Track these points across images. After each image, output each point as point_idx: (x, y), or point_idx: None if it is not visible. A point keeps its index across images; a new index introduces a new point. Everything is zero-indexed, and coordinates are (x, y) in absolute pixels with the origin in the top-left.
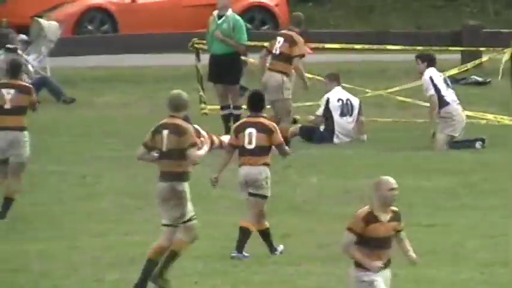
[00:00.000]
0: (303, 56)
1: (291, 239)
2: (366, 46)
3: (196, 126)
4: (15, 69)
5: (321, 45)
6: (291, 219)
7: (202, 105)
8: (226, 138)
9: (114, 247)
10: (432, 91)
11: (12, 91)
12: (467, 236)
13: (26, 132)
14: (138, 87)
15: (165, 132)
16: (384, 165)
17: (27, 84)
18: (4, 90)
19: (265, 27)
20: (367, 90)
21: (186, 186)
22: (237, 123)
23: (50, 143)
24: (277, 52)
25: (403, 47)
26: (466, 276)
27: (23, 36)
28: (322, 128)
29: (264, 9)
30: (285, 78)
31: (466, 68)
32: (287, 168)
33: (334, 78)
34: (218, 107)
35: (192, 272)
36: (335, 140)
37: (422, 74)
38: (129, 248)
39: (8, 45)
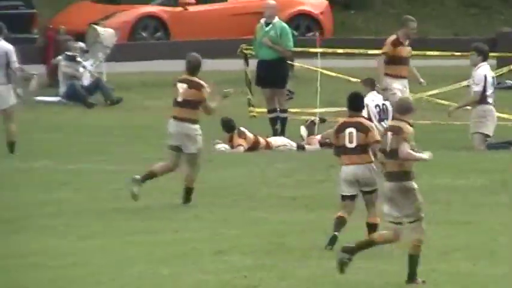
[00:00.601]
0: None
1: None
2: None
3: (242, 128)
4: (194, 67)
5: (364, 51)
6: (333, 215)
7: (251, 108)
8: (273, 140)
9: (166, 243)
10: (480, 88)
11: (185, 86)
12: (501, 232)
13: (197, 126)
14: None
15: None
16: (422, 165)
17: (199, 81)
18: (179, 85)
19: (310, 33)
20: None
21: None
22: (338, 124)
23: (106, 144)
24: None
25: (441, 53)
26: (501, 271)
27: (82, 45)
28: None
29: (309, 16)
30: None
31: (501, 73)
32: (331, 168)
33: (370, 83)
34: (265, 110)
35: (241, 266)
36: None
37: (476, 65)
38: (180, 244)
39: (67, 53)
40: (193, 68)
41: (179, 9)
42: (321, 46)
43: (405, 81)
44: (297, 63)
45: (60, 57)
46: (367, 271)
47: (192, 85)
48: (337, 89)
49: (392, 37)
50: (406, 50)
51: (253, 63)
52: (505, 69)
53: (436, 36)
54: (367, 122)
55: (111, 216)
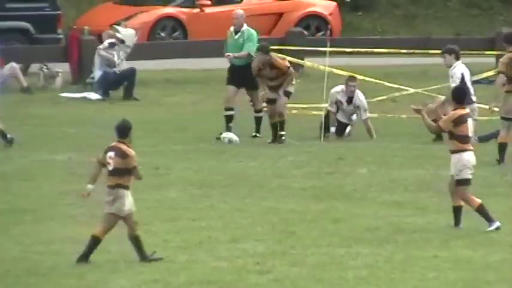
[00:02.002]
0: None
1: (342, 223)
2: (411, 50)
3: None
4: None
5: (370, 50)
6: (342, 205)
7: (264, 104)
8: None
9: (183, 231)
10: (456, 81)
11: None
12: (500, 220)
13: None
14: (205, 88)
15: None
16: (425, 157)
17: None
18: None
19: (320, 33)
20: (408, 89)
21: None
22: (459, 115)
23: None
24: None
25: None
26: (500, 257)
27: (119, 35)
28: None
29: (318, 17)
30: None
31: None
32: (339, 160)
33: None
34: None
35: (254, 253)
36: None
37: (451, 66)
38: (196, 232)
39: (110, 40)
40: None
41: (196, 10)
42: (330, 46)
43: None
44: (308, 62)
45: (101, 46)
46: (369, 256)
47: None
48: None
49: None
50: None
51: None
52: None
53: (439, 35)
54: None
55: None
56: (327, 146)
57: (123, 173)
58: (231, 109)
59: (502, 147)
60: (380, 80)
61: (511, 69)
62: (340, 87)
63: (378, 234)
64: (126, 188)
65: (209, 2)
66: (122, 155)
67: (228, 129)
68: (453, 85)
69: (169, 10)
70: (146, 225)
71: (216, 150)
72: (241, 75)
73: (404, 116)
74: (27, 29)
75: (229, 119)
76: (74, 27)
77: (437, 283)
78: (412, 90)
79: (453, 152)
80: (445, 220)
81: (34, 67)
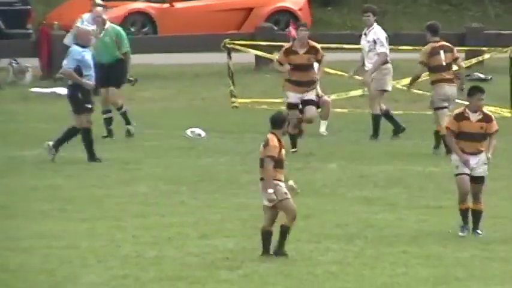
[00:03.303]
0: None
1: (312, 219)
2: None
3: None
4: None
5: (340, 45)
6: (312, 201)
7: (233, 99)
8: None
9: (153, 227)
10: (385, 49)
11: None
12: (470, 217)
13: None
14: (175, 83)
15: None
16: (395, 153)
17: None
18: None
19: (287, 29)
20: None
21: None
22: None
23: (96, 133)
24: None
25: (414, 48)
26: (469, 254)
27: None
28: None
29: (288, 12)
30: None
31: (470, 64)
32: (309, 156)
33: None
34: (248, 100)
35: (223, 249)
36: None
37: (371, 26)
38: (166, 228)
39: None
40: None
41: (166, 5)
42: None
43: None
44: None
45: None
46: (339, 252)
47: None
48: None
49: None
50: None
51: (235, 56)
52: (474, 60)
53: (409, 31)
54: None
55: (101, 202)
56: (297, 141)
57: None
58: (109, 111)
59: (438, 135)
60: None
61: (433, 59)
62: None
63: (348, 230)
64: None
65: None
66: (265, 144)
67: (109, 133)
68: (380, 49)
69: (139, 5)
70: (116, 221)
71: (185, 146)
72: (107, 73)
73: None
74: None
75: (108, 122)
76: (44, 22)
77: (407, 279)
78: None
79: None
80: (416, 216)
81: (4, 62)
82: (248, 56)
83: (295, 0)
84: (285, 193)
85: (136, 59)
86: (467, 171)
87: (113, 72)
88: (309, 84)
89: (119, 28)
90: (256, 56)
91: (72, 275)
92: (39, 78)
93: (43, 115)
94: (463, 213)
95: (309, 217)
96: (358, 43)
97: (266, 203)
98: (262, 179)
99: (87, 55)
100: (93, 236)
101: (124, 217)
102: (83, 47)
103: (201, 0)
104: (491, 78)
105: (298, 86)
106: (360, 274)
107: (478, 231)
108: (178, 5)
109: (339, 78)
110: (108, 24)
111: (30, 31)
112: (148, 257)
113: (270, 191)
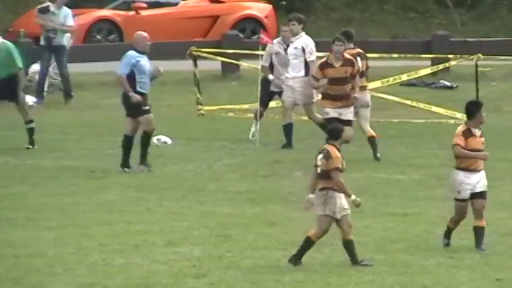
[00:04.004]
0: None
1: (278, 227)
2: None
3: None
4: None
5: None
6: (278, 208)
7: (199, 107)
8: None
9: (119, 235)
10: (314, 57)
11: None
12: (437, 224)
13: None
14: None
15: None
16: (361, 161)
17: None
18: None
19: (255, 36)
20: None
21: None
22: (465, 130)
23: (62, 141)
24: None
25: (380, 55)
26: (436, 261)
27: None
28: None
29: (254, 20)
30: None
31: (437, 69)
32: (275, 163)
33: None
34: (214, 107)
35: (190, 257)
36: None
37: (297, 34)
38: (133, 235)
39: (39, 6)
40: None
41: (132, 13)
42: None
43: None
44: (245, 64)
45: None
46: (306, 260)
47: None
48: None
49: None
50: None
51: (201, 64)
52: (441, 66)
53: (375, 38)
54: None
55: (67, 210)
56: (263, 148)
57: (329, 176)
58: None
59: (372, 139)
60: None
61: None
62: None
63: None
64: (336, 190)
65: (145, 5)
66: (327, 156)
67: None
68: (310, 57)
69: (105, 13)
70: (83, 229)
71: (152, 153)
72: (3, 88)
73: None
74: None
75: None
76: (10, 30)
77: (373, 286)
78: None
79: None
80: (382, 223)
81: None
82: (215, 63)
83: (261, 8)
84: (346, 208)
85: (102, 67)
86: (467, 196)
87: (7, 87)
88: (346, 98)
89: (10, 45)
90: (223, 64)
91: (39, 283)
92: None
93: (9, 123)
94: (450, 231)
95: (276, 224)
96: (325, 50)
97: (326, 212)
98: (323, 189)
99: (143, 60)
100: (60, 244)
101: (91, 225)
102: (140, 52)
103: (167, 8)
104: (457, 85)
105: (336, 101)
106: (326, 282)
107: (483, 247)
108: (144, 12)
109: None
110: (0, 40)
111: None
112: (116, 265)
113: (353, 197)
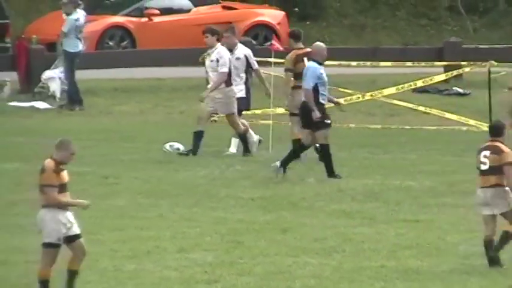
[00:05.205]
0: None
1: (290, 233)
2: (361, 63)
3: None
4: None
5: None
6: (290, 215)
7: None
8: None
9: (131, 240)
10: (227, 68)
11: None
12: (448, 231)
13: None
14: (153, 97)
15: None
16: (373, 167)
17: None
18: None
19: (268, 43)
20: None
21: None
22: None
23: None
24: None
25: (393, 63)
26: (447, 268)
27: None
28: None
29: (267, 27)
30: None
31: (451, 75)
32: (287, 170)
33: None
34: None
35: (202, 262)
36: None
37: (213, 47)
38: (144, 241)
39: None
40: None
41: (144, 19)
42: (278, 55)
43: None
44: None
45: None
46: (317, 266)
47: None
48: None
49: None
50: None
51: None
52: (455, 72)
53: (387, 45)
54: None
55: (78, 215)
56: (275, 155)
57: (500, 171)
58: None
59: (296, 144)
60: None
61: (298, 66)
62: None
63: (326, 244)
64: (503, 185)
65: (157, 12)
66: (498, 151)
67: None
68: (222, 68)
69: (117, 19)
70: (94, 235)
71: (164, 159)
72: None
73: (352, 125)
74: None
75: None
76: (23, 36)
77: None
78: (360, 98)
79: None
80: (393, 230)
81: None
82: None
83: (274, 15)
84: None
85: (114, 73)
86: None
87: None
88: None
89: None
90: None
91: None
92: (18, 92)
93: (21, 129)
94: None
95: (287, 231)
96: (335, 58)
97: (494, 212)
98: (496, 185)
99: (323, 72)
100: (65, 249)
101: (102, 231)
102: (319, 63)
103: (180, 15)
104: (470, 92)
105: None
106: None
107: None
108: (156, 19)
109: None
110: None
111: (9, 45)
112: (127, 271)
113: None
